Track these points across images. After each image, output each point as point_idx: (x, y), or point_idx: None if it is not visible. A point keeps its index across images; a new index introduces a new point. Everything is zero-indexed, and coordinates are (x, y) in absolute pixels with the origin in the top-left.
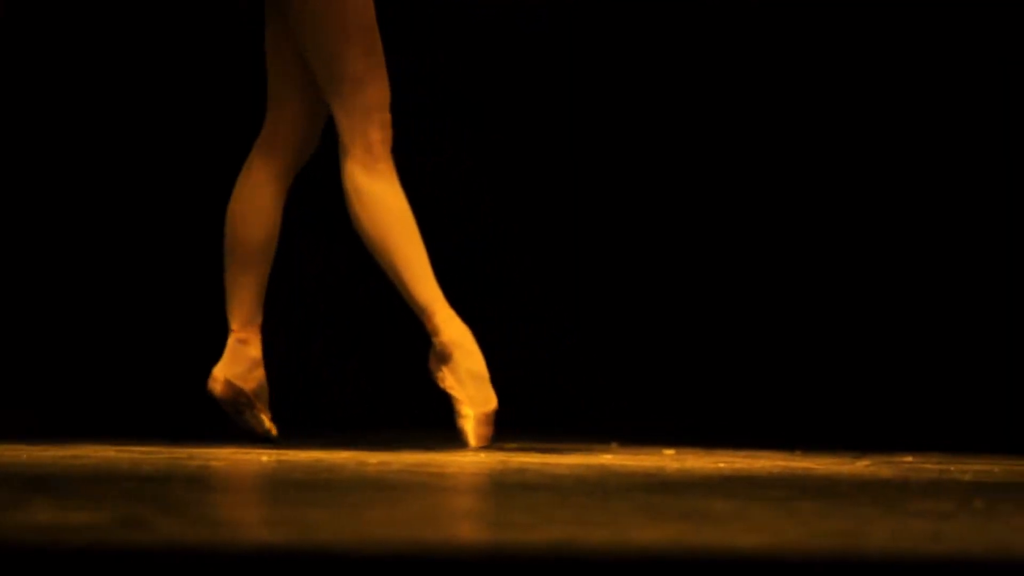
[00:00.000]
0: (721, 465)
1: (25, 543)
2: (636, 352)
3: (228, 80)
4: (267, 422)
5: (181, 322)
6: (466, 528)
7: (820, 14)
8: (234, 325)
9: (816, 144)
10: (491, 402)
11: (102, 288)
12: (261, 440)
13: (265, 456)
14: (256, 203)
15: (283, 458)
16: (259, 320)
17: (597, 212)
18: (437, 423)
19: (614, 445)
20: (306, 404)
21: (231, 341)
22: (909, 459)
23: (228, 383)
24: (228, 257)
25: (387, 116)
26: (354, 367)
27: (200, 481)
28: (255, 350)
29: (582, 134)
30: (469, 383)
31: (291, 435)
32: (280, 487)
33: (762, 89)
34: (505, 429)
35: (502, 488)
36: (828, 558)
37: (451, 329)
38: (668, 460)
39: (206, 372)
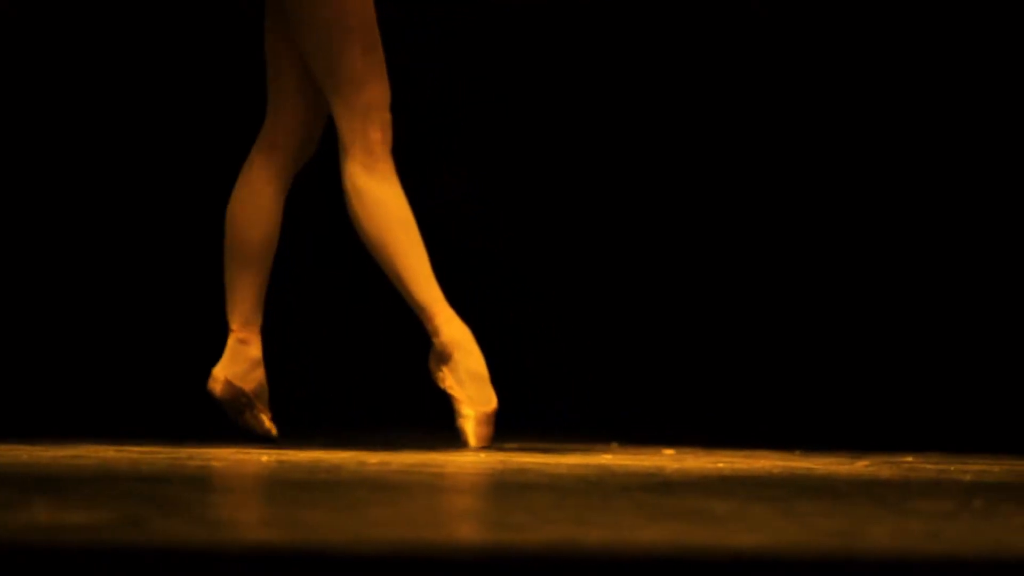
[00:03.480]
0: (720, 465)
1: (24, 543)
2: (636, 352)
3: (228, 80)
4: (267, 422)
5: (181, 322)
6: (466, 528)
7: (820, 14)
8: (234, 325)
9: (815, 145)
10: (491, 402)
11: (102, 288)
12: (261, 440)
13: (265, 456)
14: (256, 203)
15: (283, 458)
16: (259, 320)
17: (598, 212)
18: (437, 423)
19: (614, 445)
20: (307, 404)
21: (231, 341)
22: (909, 459)
23: (228, 383)
24: (228, 257)
25: (387, 116)
26: (354, 367)
27: (200, 481)
28: (255, 350)
29: (584, 135)
30: (469, 383)
31: (291, 435)
32: (280, 487)
33: (762, 89)
34: (505, 429)
35: (502, 488)
36: (827, 558)
37: (451, 329)
38: (668, 460)
39: (206, 372)
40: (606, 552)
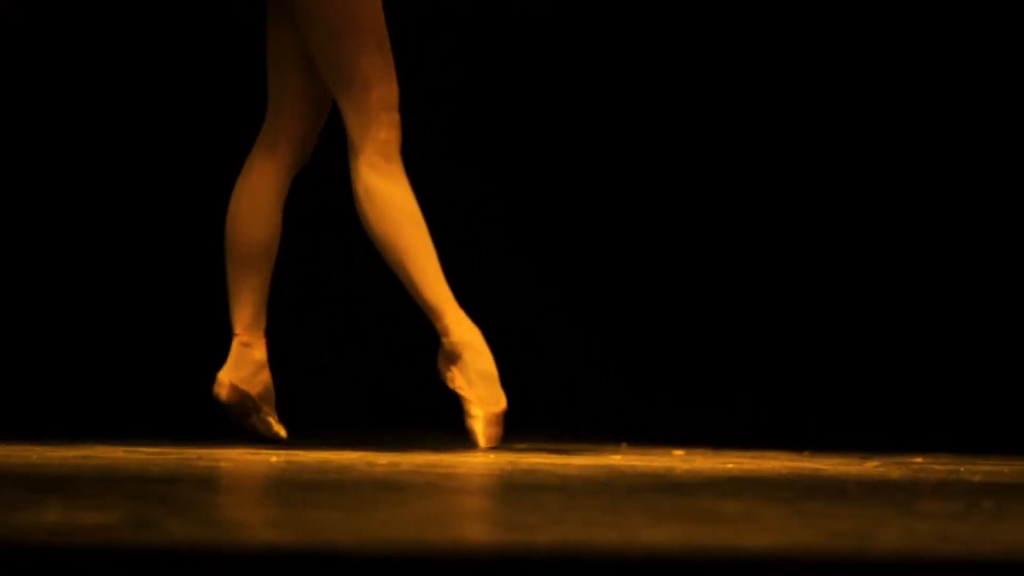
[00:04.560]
0: (730, 466)
1: (34, 543)
2: (646, 353)
3: (228, 81)
4: (275, 425)
5: (189, 323)
6: (475, 528)
7: (820, 14)
8: (238, 329)
9: (821, 146)
10: (501, 402)
11: (109, 289)
12: (270, 442)
13: (274, 457)
14: (257, 205)
15: (292, 459)
16: (263, 323)
17: (604, 213)
18: (447, 423)
19: (624, 446)
20: (316, 404)
21: (235, 345)
22: (919, 460)
23: (233, 387)
24: (229, 260)
25: (397, 116)
26: (365, 366)
27: (209, 482)
28: (260, 353)
29: (592, 135)
30: (479, 383)
31: (301, 436)
32: (289, 488)
33: (762, 89)
34: (515, 430)
35: (511, 489)
36: (837, 559)
37: (461, 329)
38: (677, 461)
39: (214, 373)
40: (616, 553)
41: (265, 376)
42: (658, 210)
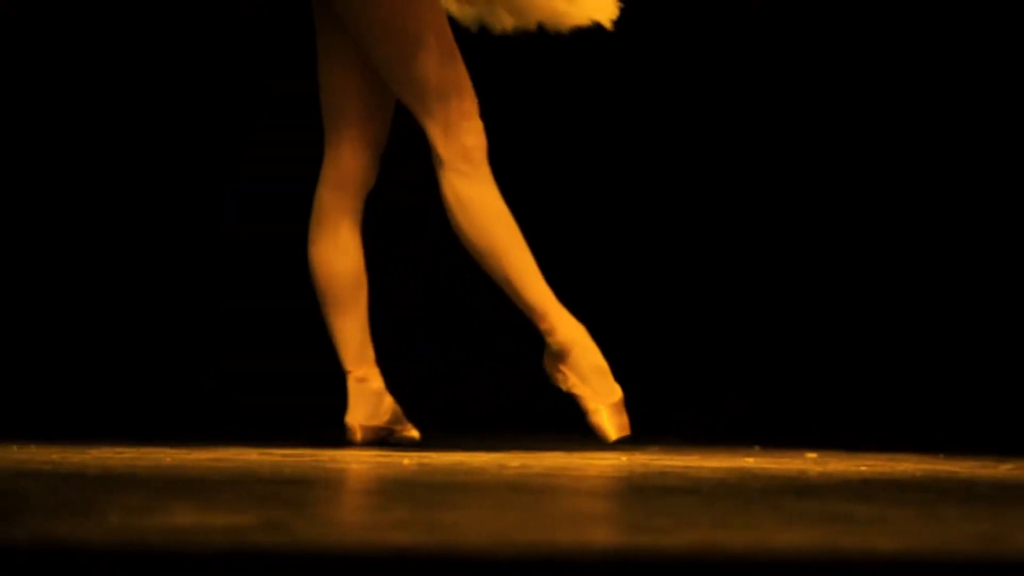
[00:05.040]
0: (863, 468)
1: (164, 546)
2: (779, 356)
3: (228, 81)
4: (409, 432)
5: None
6: (605, 531)
7: (819, 13)
8: (349, 366)
9: (841, 149)
10: (616, 392)
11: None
12: (404, 446)
13: (406, 459)
14: (340, 242)
15: (424, 461)
16: (371, 353)
17: (725, 220)
18: (577, 426)
19: (756, 448)
20: (449, 407)
21: (351, 383)
22: None
23: (365, 429)
24: (324, 301)
25: (479, 123)
26: (500, 369)
27: (340, 484)
28: (376, 382)
29: (592, 136)
30: (592, 378)
31: (434, 438)
32: (419, 490)
33: (765, 90)
34: (645, 432)
35: (642, 491)
36: (970, 562)
37: (567, 327)
38: (810, 463)
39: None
40: (747, 556)
41: (388, 402)
42: (765, 216)
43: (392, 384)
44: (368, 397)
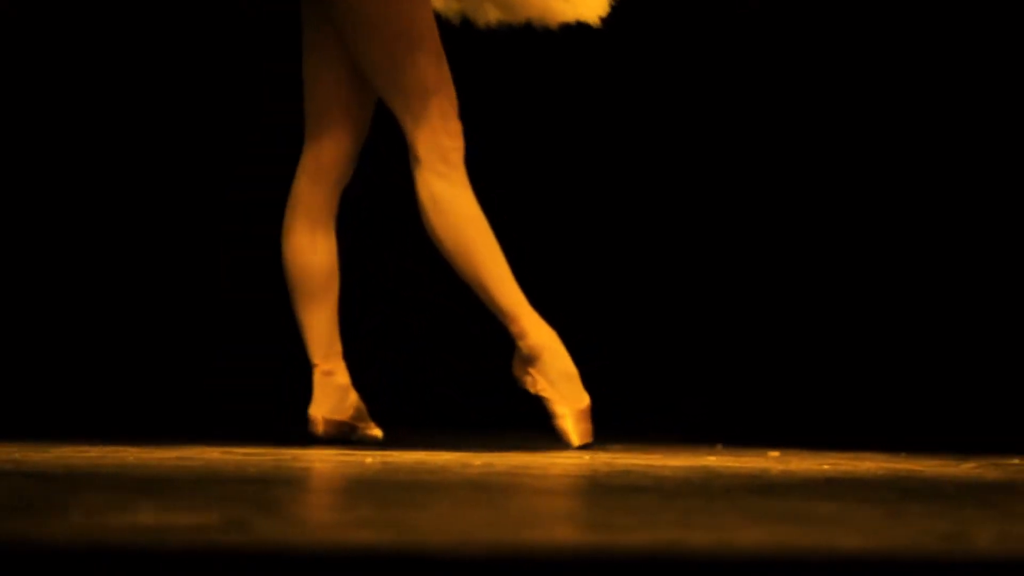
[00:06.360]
0: (825, 467)
1: (129, 544)
2: (741, 353)
3: (228, 81)
4: (372, 430)
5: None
6: (569, 530)
7: (819, 13)
8: (316, 359)
9: (859, 148)
10: (584, 399)
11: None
12: (366, 444)
13: (369, 458)
14: (314, 234)
15: (387, 459)
16: (339, 347)
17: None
18: (542, 425)
19: (719, 447)
20: (411, 406)
21: (317, 376)
22: (1016, 461)
23: (328, 422)
24: (295, 293)
25: (458, 125)
26: (462, 368)
27: (303, 483)
28: (342, 377)
29: (592, 137)
30: (561, 383)
31: (396, 437)
32: (382, 488)
33: (762, 89)
34: (609, 431)
35: (606, 490)
36: (933, 561)
37: (538, 332)
38: (772, 462)
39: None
40: (710, 554)
41: (353, 398)
42: (752, 215)
43: (357, 381)
44: (333, 391)
